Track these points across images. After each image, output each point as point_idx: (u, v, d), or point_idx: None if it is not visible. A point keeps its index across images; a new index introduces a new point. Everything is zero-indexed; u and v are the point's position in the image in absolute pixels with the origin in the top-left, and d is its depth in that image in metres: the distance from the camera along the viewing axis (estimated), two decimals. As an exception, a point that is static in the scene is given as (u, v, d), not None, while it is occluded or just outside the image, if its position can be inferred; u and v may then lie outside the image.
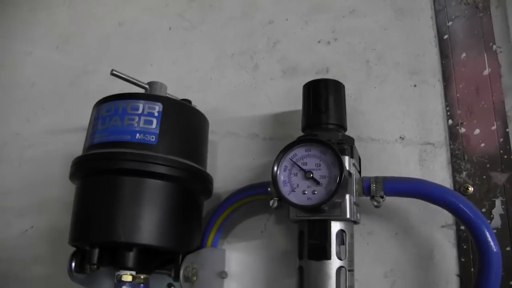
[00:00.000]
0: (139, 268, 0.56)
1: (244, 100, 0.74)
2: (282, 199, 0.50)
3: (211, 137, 0.69)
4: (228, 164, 0.71)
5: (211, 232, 0.64)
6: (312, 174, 0.49)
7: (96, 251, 0.56)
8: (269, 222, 0.66)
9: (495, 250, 0.49)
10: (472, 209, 0.51)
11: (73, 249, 0.60)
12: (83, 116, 0.64)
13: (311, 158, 0.50)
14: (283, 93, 0.71)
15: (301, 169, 0.50)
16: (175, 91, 0.71)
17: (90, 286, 0.65)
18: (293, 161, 0.51)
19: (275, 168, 0.51)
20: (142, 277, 0.58)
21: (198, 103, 0.69)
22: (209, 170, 0.64)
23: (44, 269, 0.78)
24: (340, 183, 0.47)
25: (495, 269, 0.49)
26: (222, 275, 0.64)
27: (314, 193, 0.49)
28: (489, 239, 0.50)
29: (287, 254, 0.56)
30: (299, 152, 0.51)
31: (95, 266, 0.59)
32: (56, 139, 0.87)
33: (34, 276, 0.79)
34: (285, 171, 0.51)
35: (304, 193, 0.49)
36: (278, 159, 0.51)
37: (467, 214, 0.51)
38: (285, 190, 0.50)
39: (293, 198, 0.49)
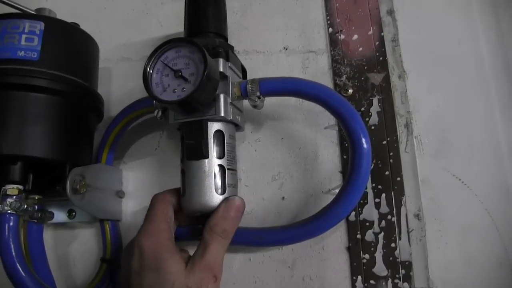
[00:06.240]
0: (26, 182, 0.55)
1: (136, 26, 0.74)
2: (154, 98, 0.50)
3: (105, 64, 0.69)
4: (122, 88, 0.71)
5: (104, 149, 0.64)
6: (181, 72, 0.50)
7: (-21, 168, 0.55)
8: (162, 139, 0.67)
9: (364, 143, 0.51)
10: (343, 102, 0.52)
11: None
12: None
13: (180, 59, 0.51)
14: (173, 16, 0.71)
15: (172, 69, 0.51)
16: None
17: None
18: (164, 63, 0.51)
19: (147, 69, 0.51)
20: (36, 197, 0.59)
21: (93, 33, 0.68)
22: (104, 95, 0.65)
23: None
24: (204, 76, 0.48)
25: (366, 159, 0.51)
26: (119, 194, 0.65)
27: (184, 90, 0.49)
28: (359, 130, 0.51)
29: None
30: (170, 54, 0.51)
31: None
32: None
33: None
34: (157, 73, 0.51)
35: (175, 91, 0.50)
36: (150, 61, 0.51)
37: (338, 107, 0.52)
38: (157, 90, 0.51)
39: (165, 96, 0.50)
